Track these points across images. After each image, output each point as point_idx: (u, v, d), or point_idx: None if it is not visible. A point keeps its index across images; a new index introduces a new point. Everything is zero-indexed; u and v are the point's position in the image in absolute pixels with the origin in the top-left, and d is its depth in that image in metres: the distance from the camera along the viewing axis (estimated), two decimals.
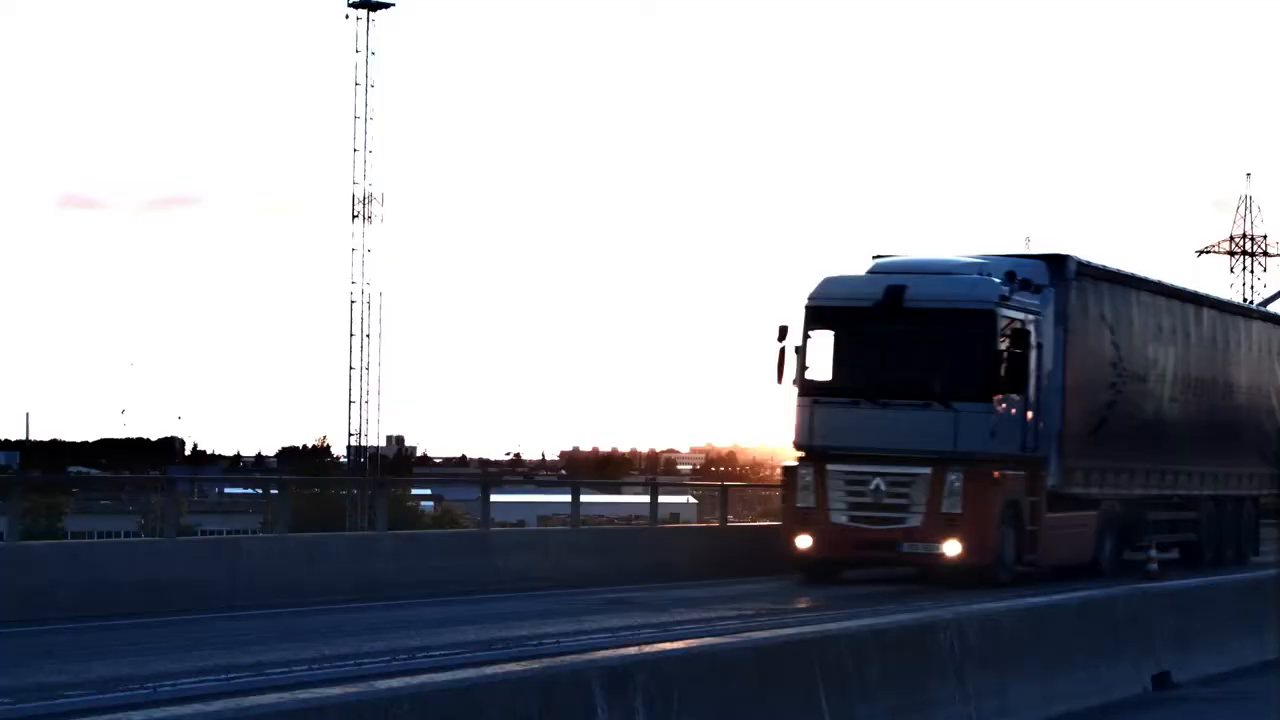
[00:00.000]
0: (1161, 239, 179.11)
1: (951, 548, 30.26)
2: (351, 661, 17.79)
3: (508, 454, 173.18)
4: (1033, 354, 31.46)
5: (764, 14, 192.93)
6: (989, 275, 31.60)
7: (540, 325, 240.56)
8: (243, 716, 8.50)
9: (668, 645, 12.56)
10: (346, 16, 77.28)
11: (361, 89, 77.02)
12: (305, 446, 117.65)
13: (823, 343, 31.75)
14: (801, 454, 31.70)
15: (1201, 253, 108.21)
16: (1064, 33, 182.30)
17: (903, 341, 31.12)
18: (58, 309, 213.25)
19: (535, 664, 10.97)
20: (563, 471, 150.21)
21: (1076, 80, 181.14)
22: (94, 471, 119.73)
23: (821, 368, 31.69)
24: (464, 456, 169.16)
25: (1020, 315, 31.37)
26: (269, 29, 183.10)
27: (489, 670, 10.57)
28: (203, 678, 16.41)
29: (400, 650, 19.07)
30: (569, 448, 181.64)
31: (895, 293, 31.08)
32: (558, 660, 11.35)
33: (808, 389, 31.61)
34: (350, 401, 77.06)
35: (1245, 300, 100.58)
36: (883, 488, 30.74)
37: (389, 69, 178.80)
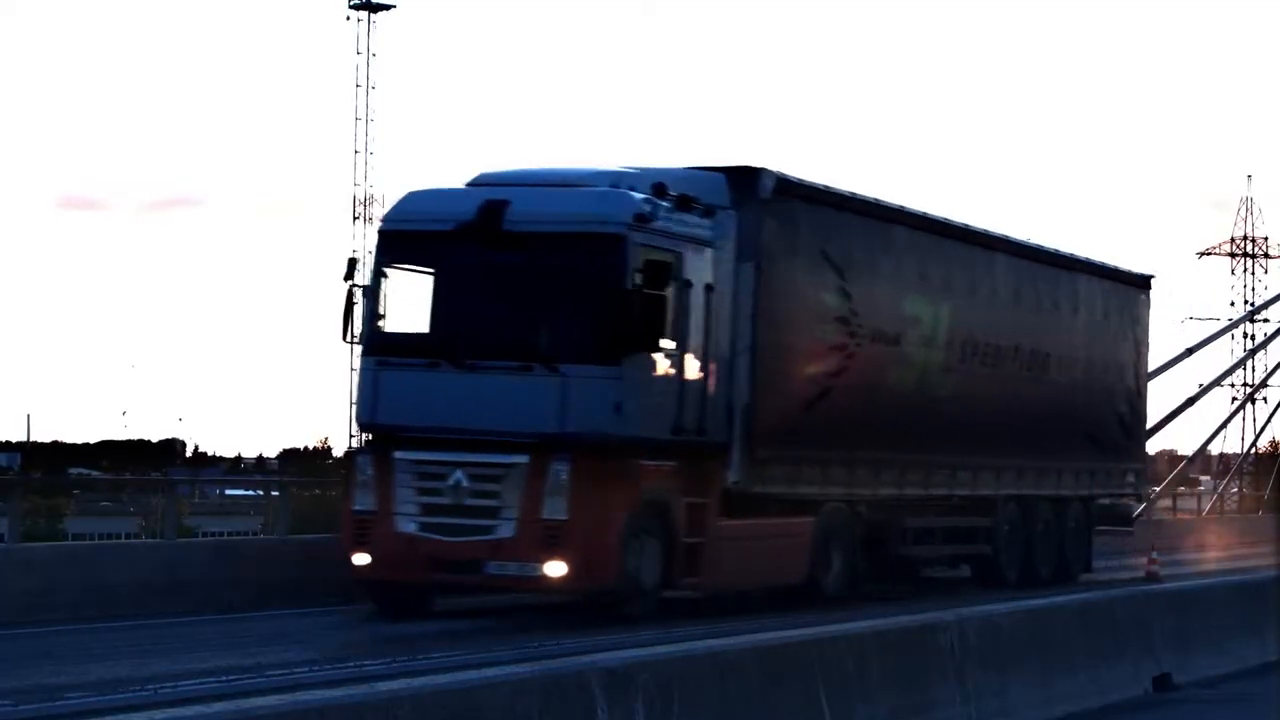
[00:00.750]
0: (1162, 240, 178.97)
1: (555, 568, 21.65)
2: (352, 663, 17.79)
3: None
4: (694, 298, 23.03)
5: (767, 17, 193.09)
6: (628, 189, 23.05)
7: None
8: (244, 717, 8.52)
9: (669, 646, 12.58)
10: (347, 18, 77.78)
11: (362, 90, 77.30)
12: (306, 448, 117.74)
13: (401, 282, 23.46)
14: (367, 436, 23.56)
15: (1202, 255, 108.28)
16: (1064, 33, 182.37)
17: (502, 279, 22.67)
18: (58, 310, 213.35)
19: (536, 665, 10.99)
20: None
21: (1077, 80, 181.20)
22: (95, 473, 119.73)
23: (398, 316, 23.35)
24: None
25: (672, 244, 22.78)
26: (270, 30, 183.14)
27: (490, 671, 10.60)
28: (203, 679, 16.42)
29: (401, 652, 19.09)
30: None
31: (493, 211, 22.54)
32: (559, 661, 11.40)
33: (375, 346, 23.05)
34: (351, 403, 77.25)
35: (1246, 304, 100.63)
36: (465, 484, 22.11)
37: (390, 71, 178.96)
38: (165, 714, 8.76)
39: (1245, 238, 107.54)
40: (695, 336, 23.08)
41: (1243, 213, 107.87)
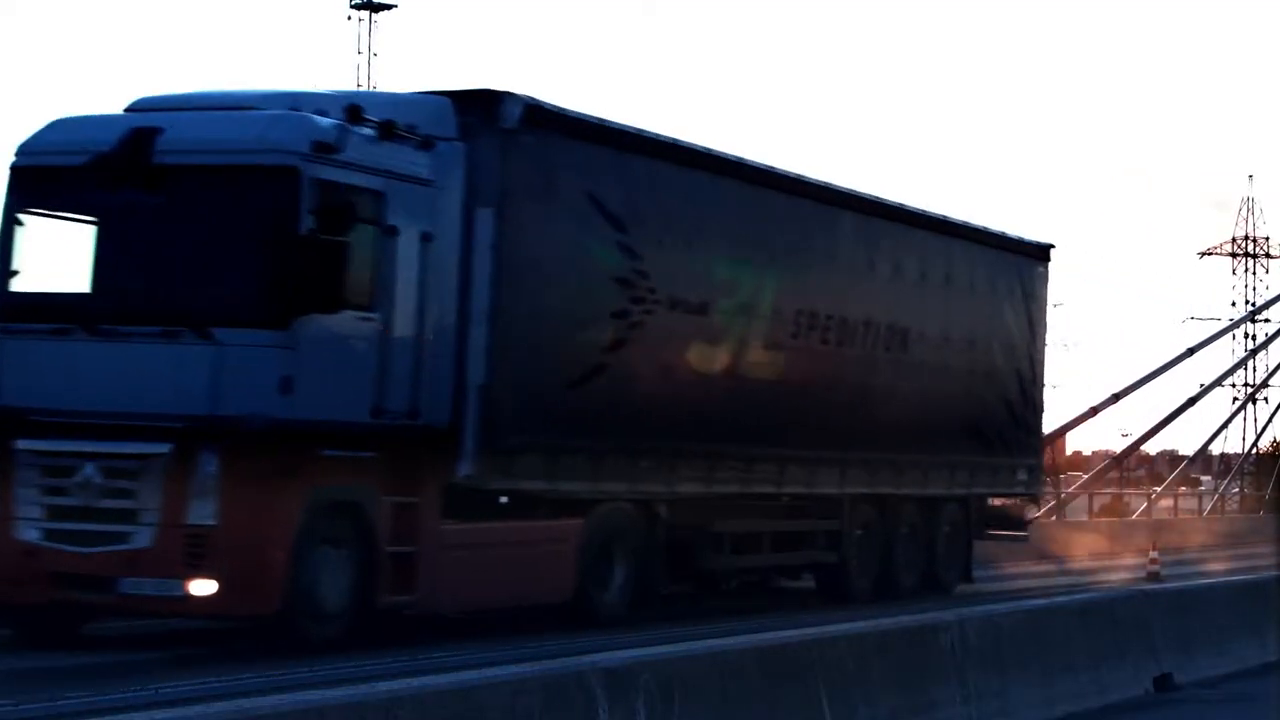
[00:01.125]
0: (1162, 240, 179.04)
1: (201, 586, 17.46)
2: (352, 663, 17.79)
3: None
4: (403, 249, 18.89)
5: (774, 19, 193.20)
6: (314, 112, 18.73)
7: None
8: (244, 717, 8.51)
9: (670, 646, 12.58)
10: (349, 18, 77.76)
11: (363, 91, 77.25)
12: None
13: (36, 229, 19.17)
14: None
15: (1203, 255, 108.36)
16: (1064, 32, 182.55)
17: (148, 223, 18.49)
18: None
19: (537, 665, 11.00)
20: None
21: (1077, 80, 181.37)
22: None
23: (33, 273, 19.14)
24: None
25: (369, 180, 18.58)
26: (271, 30, 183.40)
27: (490, 671, 10.59)
28: (204, 679, 16.42)
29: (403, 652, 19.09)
30: None
31: (139, 140, 18.44)
32: (559, 661, 11.39)
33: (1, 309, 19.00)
34: None
35: (1247, 304, 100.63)
36: (97, 480, 17.91)
37: (390, 71, 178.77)
38: (166, 714, 8.75)
39: (1246, 238, 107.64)
40: (405, 296, 18.95)
41: (1244, 213, 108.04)
